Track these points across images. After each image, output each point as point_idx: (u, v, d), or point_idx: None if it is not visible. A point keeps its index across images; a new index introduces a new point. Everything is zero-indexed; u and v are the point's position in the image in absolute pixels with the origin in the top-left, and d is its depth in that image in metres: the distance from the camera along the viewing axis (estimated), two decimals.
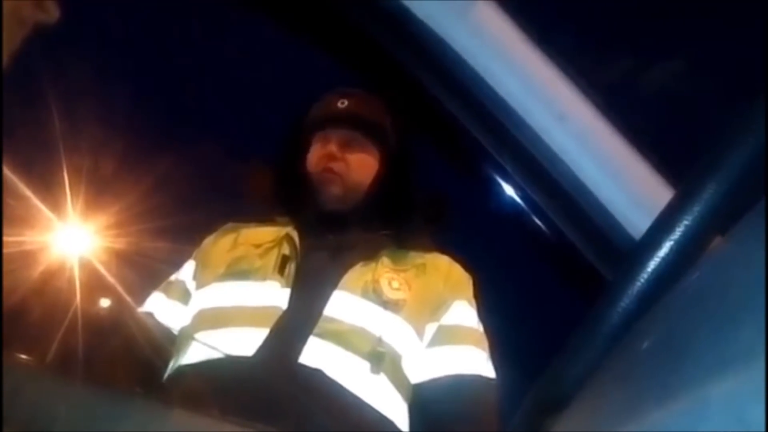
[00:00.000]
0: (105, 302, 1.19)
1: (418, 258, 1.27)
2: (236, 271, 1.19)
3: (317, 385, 1.03)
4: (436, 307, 1.21)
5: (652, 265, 0.47)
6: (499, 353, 1.25)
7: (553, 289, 1.58)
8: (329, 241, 1.26)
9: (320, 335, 1.08)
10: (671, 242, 0.47)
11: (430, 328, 1.20)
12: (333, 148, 1.32)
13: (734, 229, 0.40)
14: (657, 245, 0.47)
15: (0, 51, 0.57)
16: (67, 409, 0.62)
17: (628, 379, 0.36)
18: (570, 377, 0.48)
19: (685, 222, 0.47)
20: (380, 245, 1.26)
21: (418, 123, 1.40)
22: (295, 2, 1.22)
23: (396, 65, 1.15)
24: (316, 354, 1.06)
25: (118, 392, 0.76)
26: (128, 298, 1.12)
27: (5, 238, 0.92)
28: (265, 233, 1.27)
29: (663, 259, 0.47)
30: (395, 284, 1.18)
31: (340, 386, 1.04)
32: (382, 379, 1.09)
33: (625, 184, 1.09)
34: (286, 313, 1.11)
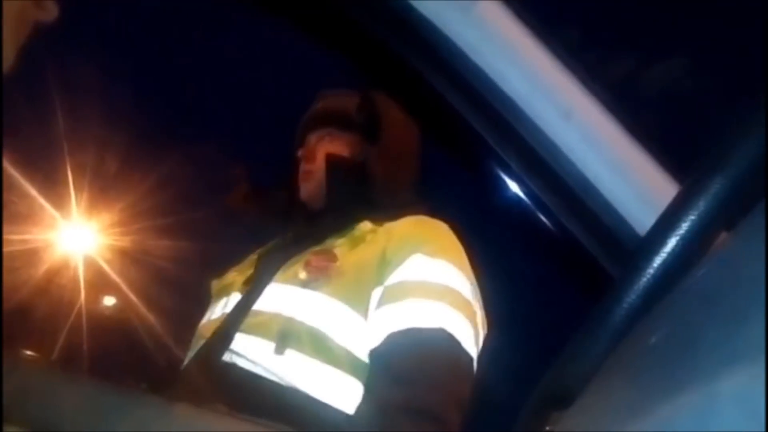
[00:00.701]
0: (109, 300, 1.24)
1: (369, 231, 1.20)
2: (217, 290, 1.28)
3: (229, 378, 1.06)
4: (377, 273, 1.13)
5: (658, 261, 0.47)
6: (503, 350, 1.24)
7: (557, 285, 1.58)
8: (298, 237, 1.28)
9: (243, 330, 1.10)
10: (677, 238, 0.47)
11: (376, 294, 1.12)
12: (304, 150, 1.38)
13: (741, 224, 0.40)
14: (662, 241, 0.47)
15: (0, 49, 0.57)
16: (74, 405, 0.62)
17: (635, 376, 0.36)
18: (575, 374, 0.48)
19: (691, 218, 0.47)
20: (339, 229, 1.23)
21: (423, 120, 1.40)
22: (298, 1, 1.22)
23: (399, 62, 1.15)
24: (237, 349, 1.08)
25: (123, 388, 0.76)
26: (132, 296, 1.15)
27: (10, 237, 0.92)
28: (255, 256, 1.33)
29: (669, 255, 0.47)
30: (314, 263, 1.15)
31: (250, 373, 1.05)
32: (299, 356, 1.05)
33: (631, 180, 1.09)
34: (226, 316, 1.16)
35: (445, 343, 1.03)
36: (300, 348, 1.06)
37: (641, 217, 1.06)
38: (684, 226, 0.47)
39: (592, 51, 1.21)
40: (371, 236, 1.19)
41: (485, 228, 1.73)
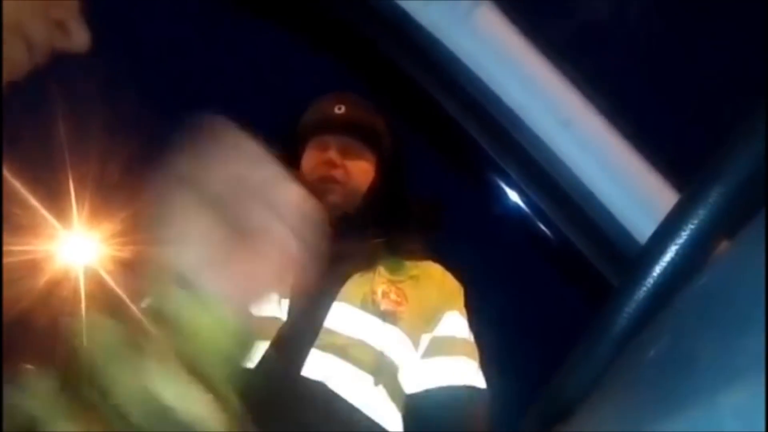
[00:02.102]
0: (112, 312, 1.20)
1: (413, 268, 1.26)
2: None
3: (320, 397, 1.03)
4: (430, 318, 1.21)
5: (658, 270, 0.47)
6: (502, 361, 1.24)
7: (557, 294, 1.58)
8: (325, 248, 1.26)
9: (321, 348, 1.08)
10: (677, 247, 0.47)
11: (425, 339, 1.19)
12: (332, 155, 1.30)
13: (741, 233, 0.40)
14: (662, 250, 0.47)
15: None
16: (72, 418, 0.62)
17: (634, 387, 0.36)
18: (576, 385, 0.48)
19: (691, 226, 0.47)
20: (376, 253, 1.25)
21: (421, 129, 1.39)
22: (296, 8, 1.22)
23: (398, 71, 1.15)
24: (319, 366, 1.06)
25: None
26: (134, 308, 1.12)
27: (11, 248, 0.92)
28: None
29: (668, 264, 0.47)
30: (393, 296, 1.18)
31: (342, 399, 1.04)
32: (381, 391, 1.09)
33: (630, 189, 1.09)
34: (286, 324, 1.11)
35: (486, 401, 1.18)
36: (386, 385, 1.10)
37: (640, 225, 1.06)
38: (684, 235, 0.47)
39: (591, 59, 1.21)
40: (422, 278, 1.25)
41: (484, 237, 1.73)
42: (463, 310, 1.27)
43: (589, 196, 1.10)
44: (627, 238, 1.08)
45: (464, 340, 1.22)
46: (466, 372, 1.18)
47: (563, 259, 1.27)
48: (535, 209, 1.22)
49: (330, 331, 1.10)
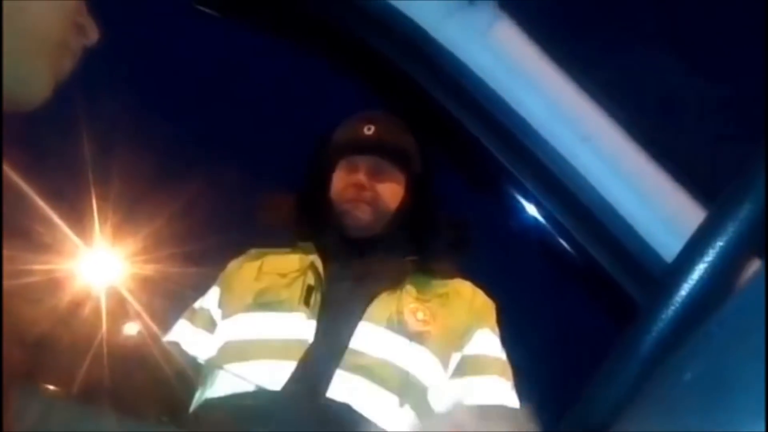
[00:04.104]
0: (131, 330, 1.20)
1: (441, 286, 1.25)
2: (262, 303, 1.19)
3: (345, 419, 1.02)
4: (459, 337, 1.19)
5: (686, 288, 0.46)
6: (527, 380, 1.22)
7: (580, 311, 1.55)
8: (353, 268, 1.25)
9: (347, 369, 1.07)
10: (705, 265, 0.45)
11: (455, 358, 1.18)
12: (362, 177, 1.30)
13: None
14: (690, 268, 0.46)
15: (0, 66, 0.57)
16: None
17: (671, 412, 0.34)
18: (604, 405, 0.47)
19: (720, 243, 0.45)
20: (404, 272, 1.25)
21: (442, 146, 1.39)
22: (315, 28, 1.23)
23: (416, 87, 1.15)
24: (344, 388, 1.05)
25: (145, 422, 0.75)
26: (155, 327, 1.13)
27: (33, 267, 0.93)
28: (289, 261, 1.26)
29: (697, 282, 0.46)
30: (420, 315, 1.17)
31: (368, 420, 1.04)
32: (408, 411, 1.08)
33: (655, 205, 1.07)
34: (312, 345, 1.11)
35: (519, 420, 1.12)
36: (411, 405, 1.08)
37: (667, 242, 1.05)
38: (713, 252, 0.45)
39: (610, 74, 1.20)
40: (451, 297, 1.24)
41: (505, 254, 1.71)
42: (495, 328, 1.25)
43: (611, 212, 1.08)
44: (650, 253, 1.06)
45: (495, 359, 1.20)
46: (497, 391, 1.16)
47: (586, 277, 1.26)
48: (557, 226, 1.21)
49: (356, 352, 1.10)
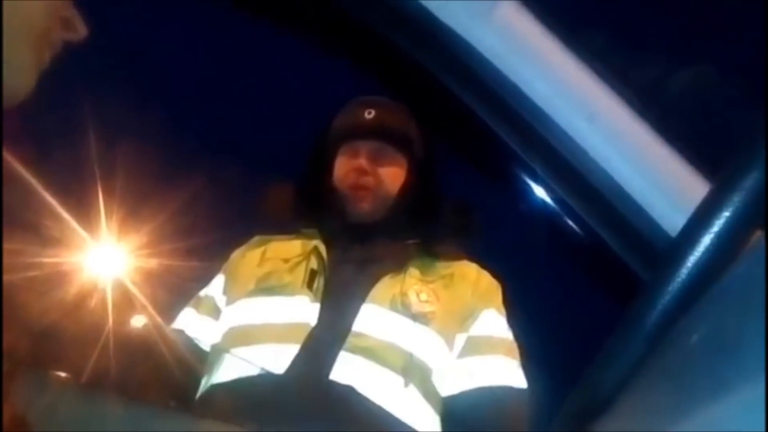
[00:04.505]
0: (138, 321, 1.21)
1: (445, 268, 1.25)
2: (265, 287, 1.19)
3: (349, 401, 1.03)
4: (464, 318, 1.19)
5: (692, 260, 0.46)
6: (534, 358, 1.22)
7: (586, 289, 1.55)
8: (357, 252, 1.25)
9: (350, 350, 1.08)
10: (711, 236, 0.45)
11: (460, 339, 1.18)
12: (363, 162, 1.29)
13: None
14: (696, 240, 0.46)
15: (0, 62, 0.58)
16: (103, 425, 0.62)
17: (676, 377, 0.35)
18: (611, 379, 0.47)
19: (725, 215, 0.45)
20: (408, 255, 1.25)
21: (445, 127, 1.39)
22: (315, 10, 1.23)
23: (421, 69, 1.14)
24: (347, 370, 1.06)
25: (154, 407, 0.76)
26: (159, 317, 1.14)
27: (42, 260, 0.93)
28: (292, 247, 1.26)
29: (703, 254, 0.45)
30: (423, 296, 1.17)
31: (372, 402, 1.04)
32: (413, 392, 1.08)
33: (659, 180, 1.06)
34: (315, 328, 1.11)
35: (525, 400, 1.16)
36: (416, 385, 1.08)
37: (671, 216, 1.04)
38: (718, 224, 0.45)
39: (615, 52, 1.19)
40: (456, 278, 1.23)
41: (511, 234, 1.71)
42: (501, 308, 1.25)
43: (617, 189, 1.08)
44: (656, 229, 1.06)
45: (501, 339, 1.20)
46: (504, 371, 1.16)
47: (592, 254, 1.25)
48: (562, 204, 1.21)
49: (359, 334, 1.10)
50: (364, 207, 1.29)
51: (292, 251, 1.25)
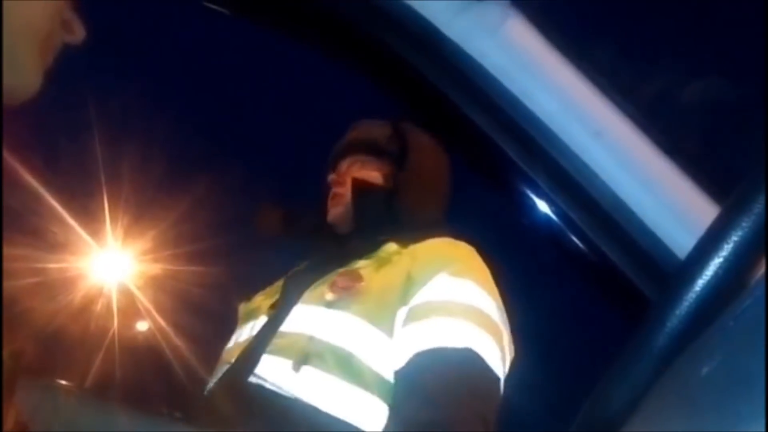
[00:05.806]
0: (142, 327, 1.24)
1: (393, 252, 1.19)
2: (244, 314, 1.29)
3: (256, 398, 1.05)
4: (402, 293, 1.11)
5: (700, 283, 0.45)
6: (539, 377, 1.21)
7: (591, 308, 1.55)
8: (329, 261, 1.26)
9: (270, 352, 1.10)
10: (720, 259, 0.45)
11: (401, 314, 1.10)
12: (335, 176, 1.41)
13: None
14: (704, 263, 0.45)
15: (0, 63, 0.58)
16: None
17: (688, 405, 0.34)
18: (618, 401, 0.46)
19: (734, 238, 0.45)
20: (368, 252, 1.21)
21: (451, 142, 1.39)
22: (324, 25, 1.23)
23: (428, 85, 1.15)
24: (262, 370, 1.08)
25: (156, 416, 0.76)
26: (164, 323, 1.16)
27: (47, 265, 0.94)
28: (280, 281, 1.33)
29: (712, 277, 0.45)
30: (340, 282, 1.14)
31: (275, 393, 1.04)
32: (321, 374, 1.04)
33: (667, 201, 1.06)
34: (253, 338, 1.16)
35: (472, 362, 1.02)
36: (322, 366, 1.05)
37: (678, 238, 1.04)
38: (727, 247, 0.45)
39: (621, 70, 1.19)
40: (397, 257, 1.18)
41: (517, 250, 1.71)
42: (463, 273, 1.13)
43: (623, 208, 1.08)
44: (662, 249, 1.05)
45: (445, 302, 1.08)
46: (434, 334, 1.03)
47: (598, 273, 1.25)
48: (568, 222, 1.20)
49: (281, 334, 1.12)
50: (337, 214, 1.35)
51: (278, 284, 1.31)
